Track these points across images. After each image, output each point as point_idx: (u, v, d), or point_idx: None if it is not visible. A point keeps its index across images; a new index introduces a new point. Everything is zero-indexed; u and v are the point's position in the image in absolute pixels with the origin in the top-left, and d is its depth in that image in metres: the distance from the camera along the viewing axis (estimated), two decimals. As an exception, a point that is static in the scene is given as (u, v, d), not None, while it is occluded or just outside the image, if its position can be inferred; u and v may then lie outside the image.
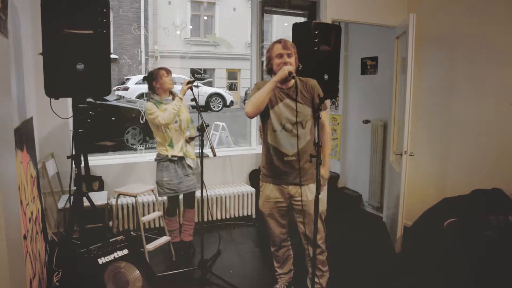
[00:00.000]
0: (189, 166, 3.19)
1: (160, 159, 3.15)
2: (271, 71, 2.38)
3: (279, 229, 2.53)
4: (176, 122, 3.12)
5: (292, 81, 2.36)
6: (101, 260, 2.40)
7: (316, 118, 2.11)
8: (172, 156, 3.11)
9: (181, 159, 3.16)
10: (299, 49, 2.44)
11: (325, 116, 2.45)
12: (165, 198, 3.41)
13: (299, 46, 2.47)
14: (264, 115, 2.38)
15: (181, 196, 3.40)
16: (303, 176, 2.36)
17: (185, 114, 3.19)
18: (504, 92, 3.16)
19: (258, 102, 2.23)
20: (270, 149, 2.39)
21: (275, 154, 2.38)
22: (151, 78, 3.14)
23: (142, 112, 4.65)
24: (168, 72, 3.15)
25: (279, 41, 2.35)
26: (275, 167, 2.39)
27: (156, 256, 3.25)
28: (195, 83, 3.07)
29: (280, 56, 2.31)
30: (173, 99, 3.12)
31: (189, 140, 3.22)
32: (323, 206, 2.48)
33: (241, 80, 14.65)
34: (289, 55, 2.31)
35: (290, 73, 2.20)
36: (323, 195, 2.54)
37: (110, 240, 2.53)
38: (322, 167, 2.25)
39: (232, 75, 14.78)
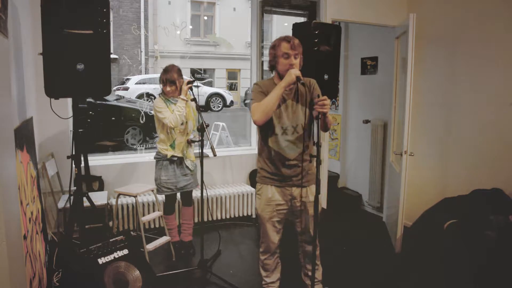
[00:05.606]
0: (187, 167, 3.21)
1: (159, 158, 3.17)
2: (274, 68, 2.29)
3: (276, 235, 2.43)
4: (182, 124, 3.12)
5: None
6: (101, 260, 2.40)
7: (316, 117, 2.11)
8: (172, 156, 3.13)
9: (181, 159, 3.18)
10: None
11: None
12: (163, 196, 3.42)
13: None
14: None
15: (178, 195, 3.44)
16: (305, 177, 2.32)
17: (192, 117, 3.19)
18: (504, 92, 3.16)
19: (267, 109, 2.14)
20: (272, 152, 2.32)
21: (276, 157, 2.31)
22: (161, 78, 3.12)
23: (142, 112, 4.65)
24: (172, 84, 3.06)
25: (286, 40, 2.20)
26: (277, 170, 2.33)
27: (156, 256, 3.25)
28: (195, 83, 3.07)
29: (287, 56, 2.18)
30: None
31: (191, 142, 3.23)
32: (321, 205, 2.47)
33: (241, 80, 14.66)
34: (295, 56, 2.20)
35: (298, 78, 2.11)
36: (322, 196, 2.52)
37: (110, 240, 2.53)
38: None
39: (232, 75, 14.79)
